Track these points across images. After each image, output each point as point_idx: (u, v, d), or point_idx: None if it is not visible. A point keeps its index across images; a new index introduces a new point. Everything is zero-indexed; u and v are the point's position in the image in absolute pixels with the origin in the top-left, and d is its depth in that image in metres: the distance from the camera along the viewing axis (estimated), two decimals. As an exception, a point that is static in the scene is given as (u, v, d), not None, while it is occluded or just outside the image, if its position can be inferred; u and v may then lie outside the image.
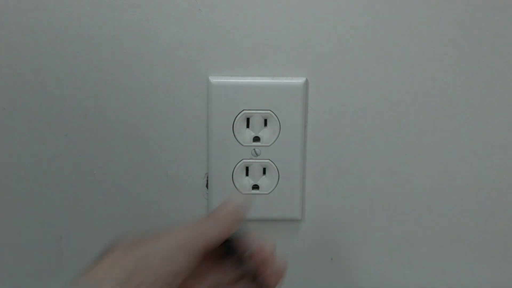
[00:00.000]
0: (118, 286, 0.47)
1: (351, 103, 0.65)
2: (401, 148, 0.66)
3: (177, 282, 0.51)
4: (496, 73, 0.64)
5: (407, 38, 0.63)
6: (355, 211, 0.68)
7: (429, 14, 0.63)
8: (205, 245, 0.51)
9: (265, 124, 0.65)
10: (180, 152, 0.67)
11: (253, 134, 0.65)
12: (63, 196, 0.68)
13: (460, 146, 0.66)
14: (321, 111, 0.66)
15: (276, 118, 0.65)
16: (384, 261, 0.70)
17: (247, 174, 0.67)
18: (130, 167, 0.67)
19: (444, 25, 0.63)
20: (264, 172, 0.67)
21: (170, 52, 0.64)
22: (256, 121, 0.65)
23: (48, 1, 0.63)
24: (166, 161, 0.67)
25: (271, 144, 0.66)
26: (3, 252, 0.70)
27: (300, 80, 0.64)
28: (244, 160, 0.66)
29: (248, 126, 0.65)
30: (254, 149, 0.66)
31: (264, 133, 0.65)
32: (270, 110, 0.65)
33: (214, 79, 0.64)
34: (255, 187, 0.67)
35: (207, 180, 0.67)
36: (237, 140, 0.65)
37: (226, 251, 0.52)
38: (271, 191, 0.67)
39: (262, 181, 0.67)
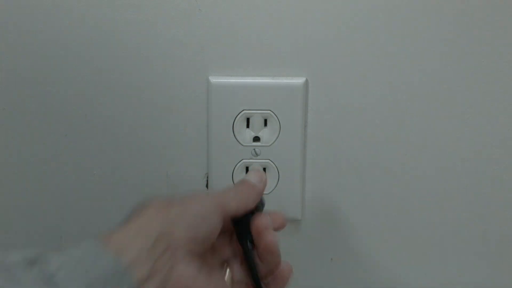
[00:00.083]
0: (141, 254, 0.46)
1: (351, 103, 0.65)
2: (401, 148, 0.66)
3: (201, 248, 0.51)
4: (496, 73, 0.64)
5: (407, 38, 0.63)
6: (355, 211, 0.68)
7: (429, 14, 0.63)
8: (226, 212, 0.52)
9: (265, 124, 0.65)
10: (180, 152, 0.67)
11: (253, 134, 0.65)
12: (63, 196, 0.68)
13: (460, 146, 0.66)
14: (321, 111, 0.66)
15: (276, 118, 0.65)
16: (384, 261, 0.70)
17: (247, 174, 0.67)
18: (130, 167, 0.67)
19: (444, 25, 0.63)
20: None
21: (170, 52, 0.64)
22: (256, 121, 0.65)
23: (48, 1, 0.63)
24: (166, 161, 0.67)
25: (271, 144, 0.66)
26: (3, 252, 0.69)
27: (300, 80, 0.64)
28: (244, 160, 0.66)
29: (248, 126, 0.65)
30: (254, 149, 0.66)
31: (264, 133, 0.65)
32: (270, 110, 0.65)
33: (214, 79, 0.64)
34: (255, 187, 0.67)
35: (207, 180, 0.67)
36: (237, 140, 0.65)
37: (241, 230, 0.54)
38: (271, 191, 0.67)
39: (262, 181, 0.67)
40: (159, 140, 0.67)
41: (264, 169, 0.66)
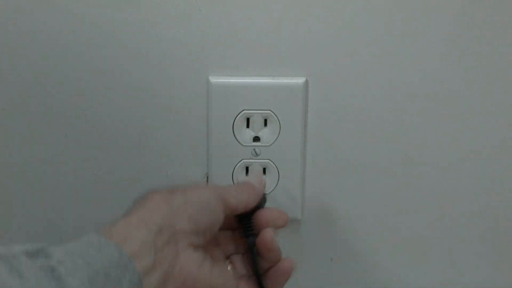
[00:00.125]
0: (144, 246, 0.46)
1: (351, 103, 0.65)
2: (401, 148, 0.66)
3: (203, 239, 0.51)
4: (496, 73, 0.64)
5: (407, 38, 0.63)
6: (355, 211, 0.68)
7: (429, 14, 0.63)
8: (227, 206, 0.53)
9: (265, 124, 0.65)
10: (180, 152, 0.67)
11: (253, 134, 0.65)
12: (63, 196, 0.68)
13: (460, 146, 0.66)
14: (321, 111, 0.66)
15: (276, 118, 0.65)
16: (384, 261, 0.70)
17: (247, 174, 0.67)
18: (130, 167, 0.67)
19: (444, 25, 0.63)
20: (264, 172, 0.67)
21: (170, 52, 0.64)
22: (256, 121, 0.65)
23: (48, 1, 0.63)
24: (166, 161, 0.67)
25: (271, 144, 0.66)
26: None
27: (300, 80, 0.64)
28: (244, 160, 0.66)
29: (248, 126, 0.65)
30: (254, 149, 0.66)
31: (264, 133, 0.65)
32: (270, 110, 0.65)
33: (214, 79, 0.64)
34: (255, 187, 0.67)
35: (207, 180, 0.67)
36: (237, 140, 0.65)
37: (245, 225, 0.55)
38: (271, 191, 0.67)
39: (262, 181, 0.67)
40: (159, 140, 0.67)
41: (264, 169, 0.66)
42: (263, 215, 0.56)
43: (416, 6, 0.62)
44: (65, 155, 0.67)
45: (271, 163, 0.66)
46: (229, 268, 0.56)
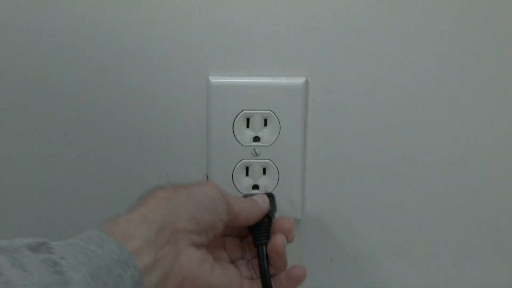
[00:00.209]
0: (145, 243, 0.46)
1: (351, 103, 0.65)
2: (401, 148, 0.66)
3: (205, 238, 0.52)
4: (496, 73, 0.64)
5: (407, 38, 0.63)
6: (355, 211, 0.68)
7: (429, 14, 0.63)
8: (230, 210, 0.54)
9: (265, 124, 0.65)
10: (180, 152, 0.67)
11: (253, 134, 0.65)
12: (63, 196, 0.68)
13: (460, 146, 0.66)
14: (321, 111, 0.66)
15: (276, 118, 0.65)
16: (384, 261, 0.70)
17: (247, 174, 0.67)
18: (130, 167, 0.67)
19: (444, 25, 0.63)
20: (264, 172, 0.67)
21: (170, 52, 0.64)
22: (256, 121, 0.65)
23: (48, 1, 0.63)
24: (166, 161, 0.67)
25: (271, 144, 0.66)
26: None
27: (300, 80, 0.64)
28: (244, 160, 0.66)
29: (248, 126, 0.65)
30: (254, 149, 0.66)
31: (264, 133, 0.65)
32: (270, 110, 0.65)
33: (214, 79, 0.64)
34: (255, 187, 0.67)
35: (207, 180, 0.67)
36: (237, 140, 0.65)
37: (257, 233, 0.57)
38: (271, 191, 0.67)
39: (262, 181, 0.67)
40: (159, 139, 0.67)
41: (264, 169, 0.66)
42: (276, 224, 0.58)
43: (416, 6, 0.62)
44: (65, 155, 0.67)
45: (271, 163, 0.66)
46: (234, 268, 0.56)
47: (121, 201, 0.68)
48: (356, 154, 0.67)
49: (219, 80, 0.64)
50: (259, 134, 0.65)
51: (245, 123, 0.65)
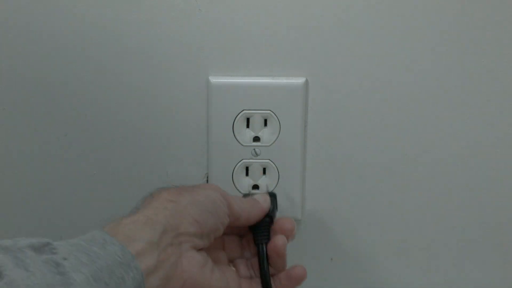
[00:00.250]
0: (148, 245, 0.47)
1: (351, 103, 0.65)
2: (401, 148, 0.66)
3: (207, 241, 0.52)
4: (496, 73, 0.64)
5: (407, 38, 0.63)
6: (355, 211, 0.68)
7: (429, 14, 0.63)
8: (231, 212, 0.54)
9: (265, 124, 0.65)
10: (180, 152, 0.67)
11: (253, 134, 0.65)
12: (63, 196, 0.68)
13: (460, 146, 0.66)
14: (321, 111, 0.66)
15: (276, 118, 0.65)
16: (384, 261, 0.70)
17: (247, 174, 0.67)
18: (130, 167, 0.67)
19: (444, 25, 0.63)
20: (264, 172, 0.67)
21: (170, 52, 0.64)
22: (256, 121, 0.65)
23: (48, 1, 0.63)
24: (166, 161, 0.67)
25: (271, 144, 0.66)
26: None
27: (300, 80, 0.64)
28: (244, 160, 0.66)
29: (248, 126, 0.65)
30: (254, 149, 0.66)
31: (264, 133, 0.65)
32: (270, 110, 0.65)
33: (214, 79, 0.64)
34: (255, 187, 0.67)
35: (207, 180, 0.67)
36: (237, 140, 0.65)
37: (258, 232, 0.58)
38: (271, 191, 0.67)
39: (262, 181, 0.67)
40: (159, 140, 0.67)
41: (264, 169, 0.66)
42: (277, 224, 0.58)
43: (416, 6, 0.62)
44: (65, 155, 0.67)
45: (271, 163, 0.66)
46: (232, 269, 0.57)
47: (121, 201, 0.68)
48: (356, 154, 0.67)
49: (219, 80, 0.64)
50: (259, 134, 0.65)
51: (245, 123, 0.65)
